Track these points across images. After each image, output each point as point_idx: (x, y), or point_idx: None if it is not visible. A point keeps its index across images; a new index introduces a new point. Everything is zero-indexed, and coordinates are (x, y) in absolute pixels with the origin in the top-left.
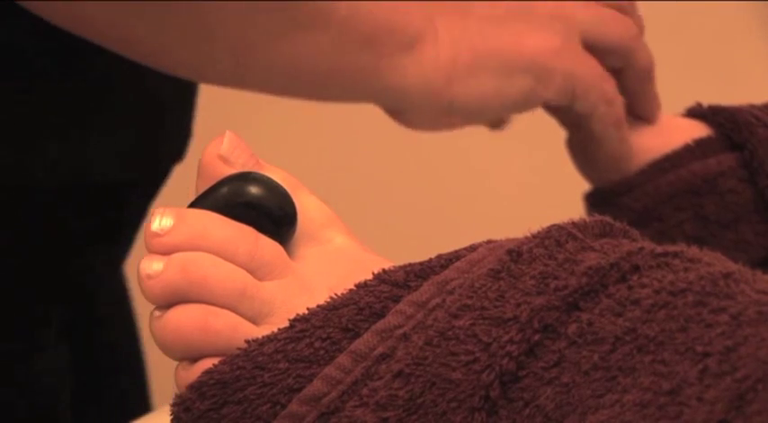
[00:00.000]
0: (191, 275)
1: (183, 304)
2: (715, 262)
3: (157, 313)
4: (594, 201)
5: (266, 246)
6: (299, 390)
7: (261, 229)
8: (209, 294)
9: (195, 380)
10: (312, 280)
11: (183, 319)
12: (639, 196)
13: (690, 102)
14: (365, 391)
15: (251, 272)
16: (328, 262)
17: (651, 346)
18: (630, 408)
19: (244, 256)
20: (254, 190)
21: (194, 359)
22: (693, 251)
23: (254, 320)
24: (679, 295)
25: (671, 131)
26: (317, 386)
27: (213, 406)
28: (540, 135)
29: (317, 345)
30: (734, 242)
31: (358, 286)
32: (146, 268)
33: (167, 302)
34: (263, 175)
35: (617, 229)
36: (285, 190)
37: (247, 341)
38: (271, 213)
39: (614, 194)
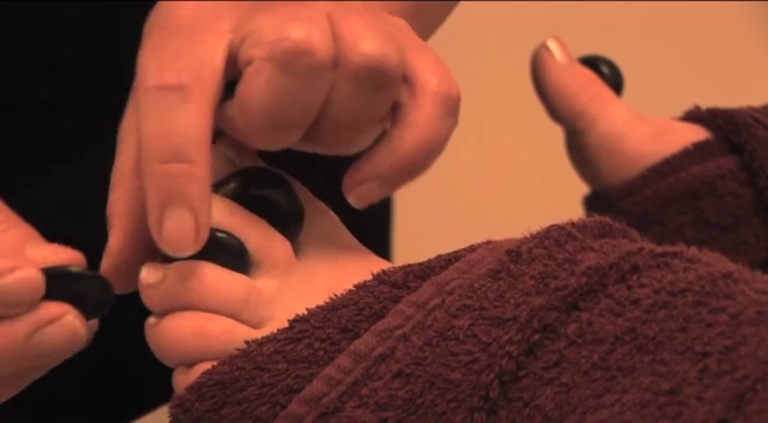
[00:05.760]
0: (190, 285)
1: (180, 311)
2: (714, 262)
3: (153, 320)
4: (594, 205)
5: (276, 239)
6: (299, 390)
7: (270, 223)
8: (212, 302)
9: (194, 381)
10: (313, 281)
11: (179, 325)
12: (639, 200)
13: (690, 102)
14: (365, 391)
15: (258, 263)
16: (330, 263)
17: (651, 346)
18: (630, 407)
19: (254, 244)
20: (265, 184)
21: (192, 365)
22: (693, 251)
23: (256, 326)
24: (678, 295)
25: (670, 135)
26: (316, 387)
27: (212, 407)
28: (541, 137)
29: (316, 345)
30: (734, 245)
31: (357, 287)
32: (146, 277)
33: (168, 311)
34: (274, 170)
35: (616, 230)
36: (294, 187)
37: (247, 342)
38: (280, 209)
39: (614, 198)
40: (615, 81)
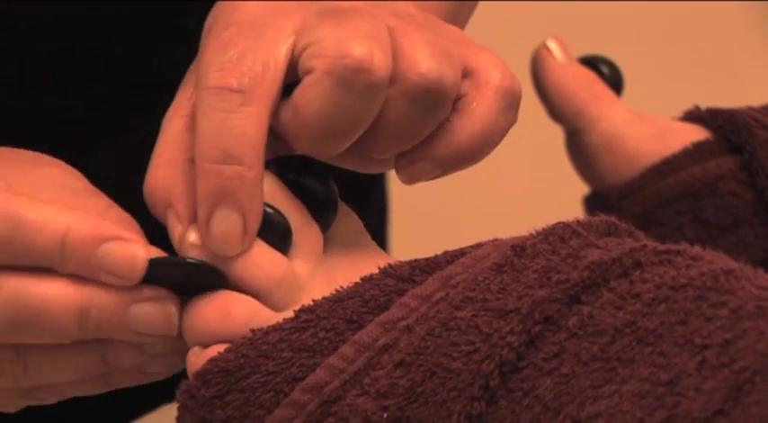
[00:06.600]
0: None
1: None
2: (717, 260)
3: None
4: (594, 204)
5: (313, 225)
6: (303, 379)
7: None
8: (249, 276)
9: (200, 367)
10: (335, 276)
11: (203, 301)
12: (639, 200)
13: (690, 102)
14: (367, 380)
15: (295, 245)
16: (352, 262)
17: (650, 338)
18: (629, 398)
19: (294, 225)
20: (303, 171)
21: (209, 345)
22: (696, 250)
23: (282, 309)
24: (680, 290)
25: (670, 135)
26: (319, 375)
27: (217, 393)
28: (541, 137)
29: (321, 335)
30: (734, 245)
31: (364, 279)
32: (192, 237)
33: None
34: (313, 160)
35: (622, 230)
36: (330, 177)
37: (252, 330)
38: (317, 198)
39: (614, 198)
40: (615, 81)
